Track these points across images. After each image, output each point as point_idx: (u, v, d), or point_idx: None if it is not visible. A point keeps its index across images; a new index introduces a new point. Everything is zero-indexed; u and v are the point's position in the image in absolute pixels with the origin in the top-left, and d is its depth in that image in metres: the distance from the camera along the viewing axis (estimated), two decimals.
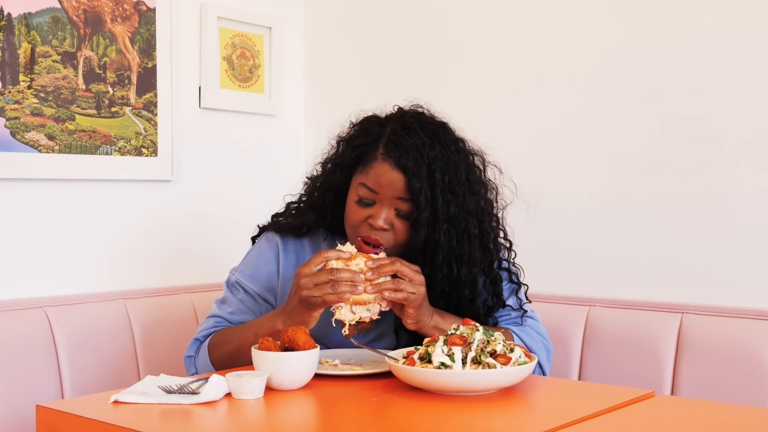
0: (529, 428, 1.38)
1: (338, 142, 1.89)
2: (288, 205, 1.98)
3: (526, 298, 1.91)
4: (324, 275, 1.64)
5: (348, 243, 1.71)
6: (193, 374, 1.85)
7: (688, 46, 2.11)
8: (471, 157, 1.83)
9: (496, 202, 1.86)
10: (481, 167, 1.85)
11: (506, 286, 1.87)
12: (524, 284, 1.91)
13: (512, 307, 1.86)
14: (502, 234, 1.90)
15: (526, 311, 1.89)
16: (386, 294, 1.65)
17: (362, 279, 1.64)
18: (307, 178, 1.96)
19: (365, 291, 1.64)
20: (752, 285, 2.03)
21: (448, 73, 2.49)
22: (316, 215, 1.90)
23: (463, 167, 1.79)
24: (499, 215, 1.88)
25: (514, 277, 1.89)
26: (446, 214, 1.74)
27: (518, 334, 1.81)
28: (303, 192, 1.96)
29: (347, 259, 1.66)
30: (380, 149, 1.77)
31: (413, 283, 1.68)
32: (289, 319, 1.69)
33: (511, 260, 1.92)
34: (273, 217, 1.98)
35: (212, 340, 1.84)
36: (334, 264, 1.66)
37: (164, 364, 2.24)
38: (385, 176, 1.75)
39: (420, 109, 1.85)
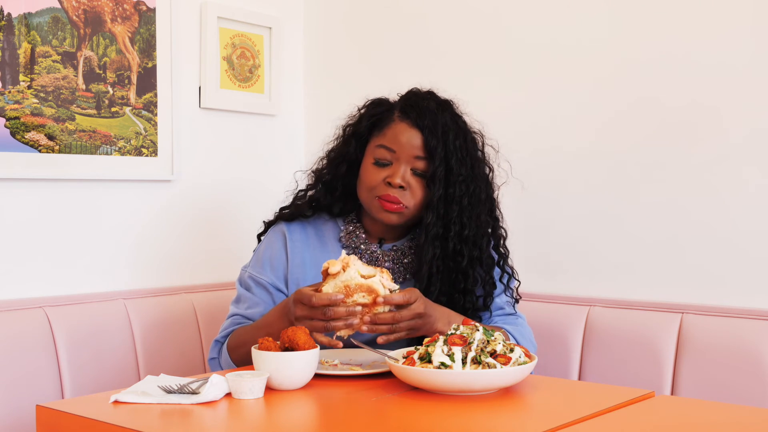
0: (529, 428, 1.38)
1: (345, 127, 2.00)
2: (295, 195, 2.04)
3: (517, 293, 2.00)
4: (319, 314, 1.65)
5: (356, 258, 1.69)
6: None
7: (691, 47, 2.12)
8: (472, 133, 1.95)
9: (493, 181, 1.98)
10: (481, 144, 1.97)
11: (499, 273, 1.96)
12: (517, 279, 1.99)
13: (506, 289, 1.95)
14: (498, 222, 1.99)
15: (518, 301, 1.99)
16: (382, 339, 1.69)
17: (358, 314, 1.64)
18: (312, 171, 2.03)
19: (362, 325, 1.66)
20: (752, 285, 2.03)
21: (449, 72, 2.49)
22: (324, 191, 1.97)
23: (470, 136, 1.93)
24: (495, 195, 1.98)
25: (507, 269, 1.97)
26: (459, 172, 1.86)
27: (513, 334, 1.88)
28: (309, 182, 2.03)
29: (347, 293, 1.65)
30: (396, 113, 1.91)
31: (410, 321, 1.70)
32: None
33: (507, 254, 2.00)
34: (280, 209, 2.04)
35: (230, 342, 1.88)
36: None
37: (164, 364, 2.25)
38: (403, 134, 1.87)
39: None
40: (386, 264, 1.93)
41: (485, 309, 1.90)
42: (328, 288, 1.65)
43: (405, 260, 1.93)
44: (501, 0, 2.41)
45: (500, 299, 1.94)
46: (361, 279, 1.64)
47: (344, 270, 1.65)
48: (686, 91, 2.12)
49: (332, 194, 1.97)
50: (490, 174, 1.96)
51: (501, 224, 1.97)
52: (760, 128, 2.02)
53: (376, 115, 1.93)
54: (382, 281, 1.66)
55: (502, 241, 1.96)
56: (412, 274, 1.92)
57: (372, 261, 1.93)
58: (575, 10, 2.29)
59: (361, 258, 1.94)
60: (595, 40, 2.25)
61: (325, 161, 2.01)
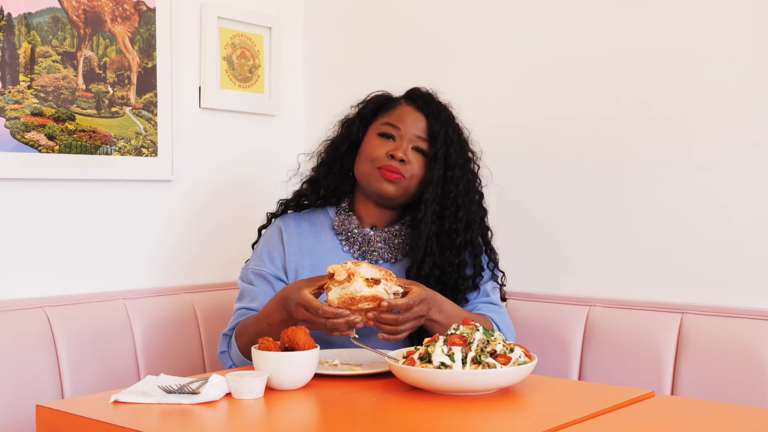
0: (529, 428, 1.38)
1: (346, 117, 2.09)
2: (300, 188, 2.11)
3: (502, 281, 2.09)
4: (322, 321, 1.68)
5: (362, 263, 1.69)
6: (230, 367, 1.95)
7: (692, 45, 2.12)
8: (465, 135, 2.07)
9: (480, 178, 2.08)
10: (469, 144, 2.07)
11: (486, 260, 2.05)
12: (501, 271, 2.08)
13: (492, 276, 2.03)
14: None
15: (504, 298, 2.09)
16: (382, 337, 1.73)
17: (360, 320, 1.68)
18: (312, 169, 2.11)
19: (368, 321, 1.70)
20: (752, 285, 2.03)
21: (449, 72, 2.49)
22: (324, 172, 2.06)
23: (464, 136, 2.04)
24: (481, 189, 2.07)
25: (494, 257, 2.06)
26: (458, 157, 1.97)
27: (495, 321, 1.96)
28: (312, 171, 2.11)
29: (351, 303, 1.66)
30: (402, 99, 2.04)
31: (413, 322, 1.75)
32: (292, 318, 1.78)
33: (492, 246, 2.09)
34: (286, 200, 2.13)
35: (237, 332, 1.95)
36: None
37: (164, 364, 2.25)
38: (409, 115, 1.99)
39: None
40: (378, 244, 2.00)
41: (474, 288, 1.99)
42: (333, 295, 1.66)
43: (396, 241, 2.01)
44: (499, 2, 2.41)
45: (487, 286, 2.02)
46: (366, 290, 1.65)
47: (349, 280, 1.65)
48: (686, 90, 2.11)
49: (329, 173, 2.06)
50: (478, 171, 2.06)
51: (487, 218, 2.07)
52: (761, 128, 2.02)
53: (381, 101, 2.05)
54: (386, 288, 1.67)
55: (489, 234, 2.06)
56: (404, 254, 2.00)
57: (364, 243, 2.00)
58: (570, 13, 2.29)
59: (353, 242, 2.00)
60: (590, 42, 2.25)
61: (326, 145, 2.10)
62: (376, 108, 2.04)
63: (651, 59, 2.16)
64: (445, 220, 1.95)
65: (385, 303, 1.67)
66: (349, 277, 1.66)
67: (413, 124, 1.98)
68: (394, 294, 1.69)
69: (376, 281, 1.66)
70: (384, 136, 1.98)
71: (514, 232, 2.35)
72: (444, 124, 1.98)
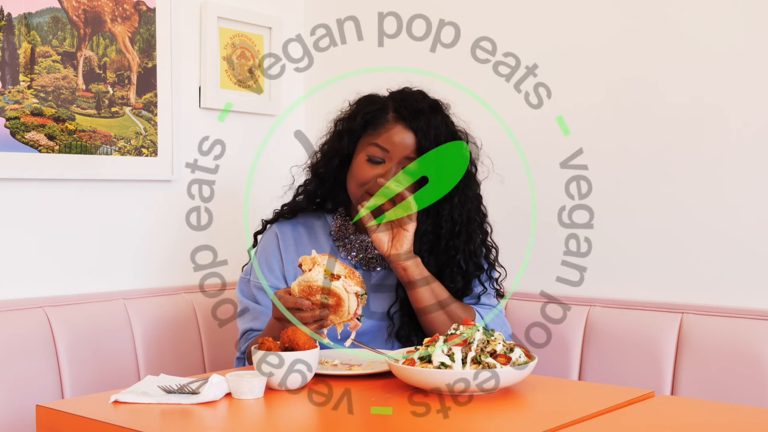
0: (529, 428, 1.38)
1: (337, 122, 2.05)
2: (295, 192, 2.09)
3: (499, 284, 2.06)
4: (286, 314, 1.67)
5: (328, 257, 1.69)
6: None
7: (696, 44, 2.11)
8: (459, 133, 2.01)
9: (477, 178, 2.04)
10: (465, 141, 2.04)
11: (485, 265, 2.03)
12: (498, 270, 2.05)
13: (489, 280, 2.01)
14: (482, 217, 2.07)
15: (501, 294, 2.07)
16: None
17: (327, 316, 1.66)
18: (308, 166, 2.09)
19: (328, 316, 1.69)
20: (752, 285, 2.03)
21: (449, 72, 2.49)
22: (319, 183, 2.03)
23: (457, 137, 1.99)
24: (479, 191, 2.04)
25: (491, 260, 2.03)
26: None
27: (479, 312, 1.94)
28: (306, 177, 2.08)
29: (309, 293, 1.65)
30: (390, 113, 1.95)
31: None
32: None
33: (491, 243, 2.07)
34: (281, 207, 2.09)
35: (248, 356, 1.93)
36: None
37: (164, 364, 2.25)
38: (397, 135, 1.92)
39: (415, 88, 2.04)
40: (376, 251, 1.98)
41: (470, 293, 1.97)
42: (294, 283, 1.67)
43: None
44: (509, 9, 2.41)
45: (479, 289, 2.00)
46: (322, 280, 1.64)
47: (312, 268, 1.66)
48: (690, 88, 2.11)
49: (325, 186, 2.03)
50: (475, 172, 2.02)
51: (487, 219, 2.04)
52: (762, 128, 2.02)
53: (370, 113, 1.97)
54: (345, 285, 1.66)
55: (488, 236, 2.03)
56: None
57: (361, 250, 1.99)
58: (574, 14, 2.29)
59: (351, 249, 1.99)
60: (596, 37, 2.25)
61: (318, 155, 2.07)
62: (364, 122, 1.97)
63: (657, 55, 2.16)
64: (441, 239, 1.93)
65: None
66: (314, 266, 1.66)
67: (402, 144, 1.91)
68: (355, 294, 1.67)
69: (337, 277, 1.66)
70: (373, 161, 1.93)
71: (514, 231, 2.35)
72: (434, 138, 1.91)
